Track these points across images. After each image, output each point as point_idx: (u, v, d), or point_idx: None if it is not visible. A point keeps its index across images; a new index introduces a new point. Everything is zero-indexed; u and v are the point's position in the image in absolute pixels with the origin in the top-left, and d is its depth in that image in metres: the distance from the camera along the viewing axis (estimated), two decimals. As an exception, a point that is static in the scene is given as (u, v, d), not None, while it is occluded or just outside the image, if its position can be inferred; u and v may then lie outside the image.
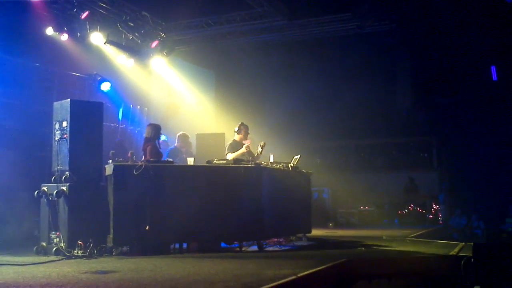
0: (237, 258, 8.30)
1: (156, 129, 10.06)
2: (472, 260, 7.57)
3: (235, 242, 9.51)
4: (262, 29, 16.18)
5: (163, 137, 10.20)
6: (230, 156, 10.24)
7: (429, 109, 18.38)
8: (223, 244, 9.55)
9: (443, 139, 18.53)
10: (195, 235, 9.00)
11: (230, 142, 10.75)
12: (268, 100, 18.86)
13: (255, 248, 9.47)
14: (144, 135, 10.27)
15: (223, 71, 19.72)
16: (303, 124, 18.20)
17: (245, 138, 10.68)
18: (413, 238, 11.75)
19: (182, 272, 6.65)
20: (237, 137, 10.70)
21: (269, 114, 18.12)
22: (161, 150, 10.04)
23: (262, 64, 18.49)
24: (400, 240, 11.43)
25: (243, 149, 10.33)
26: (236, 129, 10.71)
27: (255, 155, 10.39)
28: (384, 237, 11.94)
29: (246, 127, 10.72)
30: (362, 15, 15.39)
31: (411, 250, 9.40)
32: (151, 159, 9.23)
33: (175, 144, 12.11)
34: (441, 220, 17.09)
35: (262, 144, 10.39)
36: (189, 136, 12.40)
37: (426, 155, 20.16)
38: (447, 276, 7.89)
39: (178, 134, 12.29)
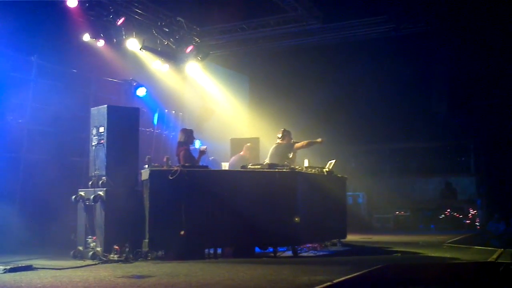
0: (271, 264, 8.29)
1: (188, 134, 10.15)
2: (511, 266, 7.42)
3: (270, 247, 9.50)
4: (295, 33, 16.16)
5: (198, 143, 10.22)
6: (299, 144, 10.60)
7: (466, 113, 18.08)
8: (257, 249, 9.54)
9: (481, 143, 18.18)
10: (230, 240, 9.03)
11: (275, 145, 10.73)
12: (302, 104, 18.76)
13: (289, 253, 9.44)
14: (177, 140, 10.35)
15: (257, 75, 19.72)
16: (338, 128, 18.07)
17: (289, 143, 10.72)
18: (450, 244, 11.57)
19: (217, 277, 6.67)
20: (281, 142, 10.72)
21: (303, 118, 18.01)
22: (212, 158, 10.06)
23: (296, 68, 18.43)
24: (436, 246, 11.27)
25: (318, 140, 10.62)
26: (280, 135, 10.72)
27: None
28: (420, 243, 11.79)
29: (289, 133, 10.76)
30: (398, 18, 15.25)
31: (448, 256, 9.26)
32: (186, 164, 9.29)
33: (241, 153, 12.08)
34: (479, 226, 16.79)
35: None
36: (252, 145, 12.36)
37: (463, 159, 19.82)
38: (486, 283, 7.74)
39: (246, 145, 12.25)
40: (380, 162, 20.56)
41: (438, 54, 17.82)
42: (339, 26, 15.94)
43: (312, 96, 18.89)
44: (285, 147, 10.60)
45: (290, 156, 10.69)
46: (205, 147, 10.16)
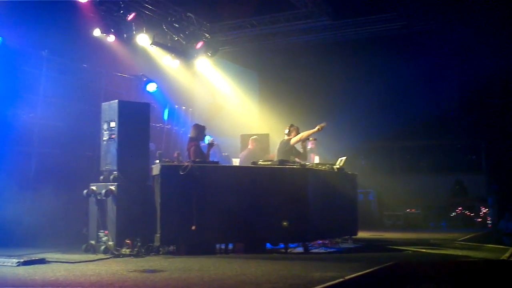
0: (283, 260, 8.29)
1: (200, 130, 10.16)
2: (525, 265, 7.37)
3: (281, 244, 9.48)
4: (306, 29, 16.11)
5: (208, 138, 10.24)
6: (296, 138, 10.44)
7: (478, 111, 18.00)
8: (268, 245, 9.52)
9: (492, 141, 18.10)
10: (241, 235, 9.01)
11: (280, 142, 10.78)
12: (311, 101, 18.71)
13: (300, 249, 9.43)
14: (189, 135, 10.37)
15: (267, 71, 19.70)
16: (348, 125, 18.02)
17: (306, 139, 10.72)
18: (461, 242, 11.51)
19: (228, 272, 6.66)
20: (287, 138, 10.70)
21: (312, 115, 17.95)
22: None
23: (305, 65, 18.38)
24: (448, 243, 11.20)
25: (315, 129, 10.40)
26: (287, 131, 10.71)
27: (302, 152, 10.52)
28: (431, 241, 11.73)
29: (296, 128, 10.72)
30: (408, 15, 15.19)
31: (460, 254, 9.21)
32: (197, 160, 9.28)
33: (249, 147, 12.15)
34: (490, 224, 16.72)
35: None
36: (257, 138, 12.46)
37: (474, 157, 19.75)
38: (498, 282, 7.69)
39: (251, 138, 12.42)
40: (390, 160, 20.50)
41: (450, 51, 17.72)
42: (349, 23, 15.89)
43: (321, 92, 18.85)
44: (284, 143, 10.61)
45: (301, 151, 10.73)
46: (212, 139, 10.18)
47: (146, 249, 8.44)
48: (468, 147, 19.96)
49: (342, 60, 18.22)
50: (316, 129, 10.44)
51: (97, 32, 12.62)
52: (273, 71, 19.33)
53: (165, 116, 14.53)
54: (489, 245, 10.65)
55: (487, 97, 17.79)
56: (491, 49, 16.32)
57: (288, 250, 9.31)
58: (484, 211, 17.29)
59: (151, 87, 13.60)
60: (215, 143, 10.23)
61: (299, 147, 10.81)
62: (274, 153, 11.29)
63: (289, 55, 18.01)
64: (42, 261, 7.31)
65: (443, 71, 18.38)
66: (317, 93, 18.88)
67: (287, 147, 10.55)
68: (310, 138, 10.88)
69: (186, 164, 8.75)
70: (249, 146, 12.12)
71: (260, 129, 15.66)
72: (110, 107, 9.24)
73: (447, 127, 18.72)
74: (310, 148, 11.80)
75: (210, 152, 12.02)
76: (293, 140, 10.57)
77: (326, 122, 10.48)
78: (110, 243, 8.52)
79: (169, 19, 14.37)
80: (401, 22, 15.47)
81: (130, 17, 13.17)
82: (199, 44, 15.28)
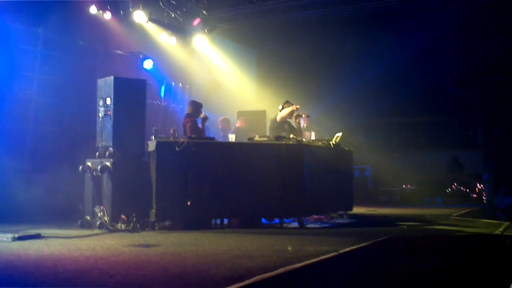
0: (278, 234, 8.34)
1: (196, 106, 10.20)
2: (517, 239, 7.43)
3: (276, 219, 9.54)
4: (305, 5, 15.92)
5: (203, 114, 10.24)
6: (279, 116, 10.56)
7: (475, 87, 17.98)
8: (263, 220, 9.59)
9: (489, 118, 18.12)
10: (236, 211, 9.08)
11: (271, 118, 10.86)
12: (310, 78, 18.68)
13: (295, 224, 9.49)
14: (185, 111, 10.39)
15: (266, 48, 19.62)
16: (346, 101, 18.02)
17: (290, 116, 10.75)
18: (456, 217, 11.59)
19: (223, 247, 6.71)
20: (275, 115, 10.75)
21: (310, 92, 17.94)
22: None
23: (304, 42, 18.31)
24: (443, 218, 11.28)
25: (293, 107, 10.52)
26: (280, 107, 10.75)
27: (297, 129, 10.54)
28: (426, 216, 11.80)
29: (291, 105, 10.74)
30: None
31: (454, 229, 9.28)
32: (193, 136, 9.31)
33: (237, 125, 12.31)
34: (485, 200, 16.81)
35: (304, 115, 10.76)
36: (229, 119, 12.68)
37: (471, 133, 19.82)
38: (491, 256, 7.76)
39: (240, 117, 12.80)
40: (387, 136, 20.56)
41: (448, 27, 17.64)
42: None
43: (319, 69, 18.80)
44: (273, 120, 10.70)
45: (300, 127, 10.79)
46: (205, 114, 10.22)
47: (141, 224, 8.49)
48: (465, 123, 20.00)
49: (341, 37, 18.17)
50: (290, 109, 10.56)
51: (93, 9, 12.50)
52: (272, 48, 19.26)
53: (162, 93, 14.51)
54: (484, 220, 10.72)
55: (485, 74, 17.74)
56: (490, 25, 16.25)
57: (283, 225, 9.37)
58: (479, 187, 17.39)
59: (148, 64, 13.54)
60: (207, 116, 10.26)
61: (293, 123, 10.85)
62: None
63: (288, 32, 17.90)
64: (37, 236, 7.35)
65: (442, 48, 18.31)
66: (315, 70, 18.84)
67: (275, 124, 10.63)
68: (303, 115, 10.95)
69: (182, 140, 8.78)
70: (237, 124, 12.30)
71: (258, 106, 15.65)
72: (106, 83, 9.23)
73: (444, 103, 18.72)
74: (306, 126, 11.85)
75: (222, 127, 12.19)
76: (278, 117, 10.64)
77: (299, 106, 10.71)
78: (106, 218, 8.56)
79: (166, -5, 14.25)
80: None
81: (127, -7, 13.07)
82: (196, 21, 15.14)
